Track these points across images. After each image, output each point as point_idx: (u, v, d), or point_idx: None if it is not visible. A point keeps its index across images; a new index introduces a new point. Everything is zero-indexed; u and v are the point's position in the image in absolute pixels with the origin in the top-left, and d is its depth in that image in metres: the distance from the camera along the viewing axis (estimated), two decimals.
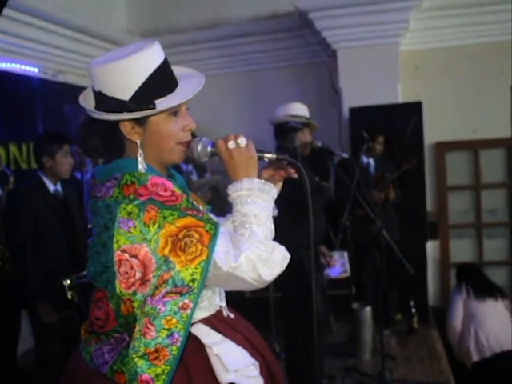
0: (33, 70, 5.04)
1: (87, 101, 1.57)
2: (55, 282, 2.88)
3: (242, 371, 1.56)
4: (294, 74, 6.16)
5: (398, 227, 4.88)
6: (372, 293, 4.68)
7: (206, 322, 1.58)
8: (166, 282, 1.39)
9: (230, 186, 1.54)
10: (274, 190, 1.56)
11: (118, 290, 1.44)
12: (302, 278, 3.45)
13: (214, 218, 1.55)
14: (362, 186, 3.92)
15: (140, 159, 1.50)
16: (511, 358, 4.20)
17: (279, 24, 5.89)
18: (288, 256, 1.49)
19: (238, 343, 1.61)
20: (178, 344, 1.42)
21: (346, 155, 3.78)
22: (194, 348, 1.52)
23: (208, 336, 1.56)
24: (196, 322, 1.55)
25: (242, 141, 1.56)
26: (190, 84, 1.55)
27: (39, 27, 4.88)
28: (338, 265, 4.73)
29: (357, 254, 4.69)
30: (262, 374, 1.63)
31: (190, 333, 1.50)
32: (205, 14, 6.24)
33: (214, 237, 1.40)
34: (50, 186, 3.57)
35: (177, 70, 1.57)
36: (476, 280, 4.69)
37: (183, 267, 1.39)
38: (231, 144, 1.55)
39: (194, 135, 1.61)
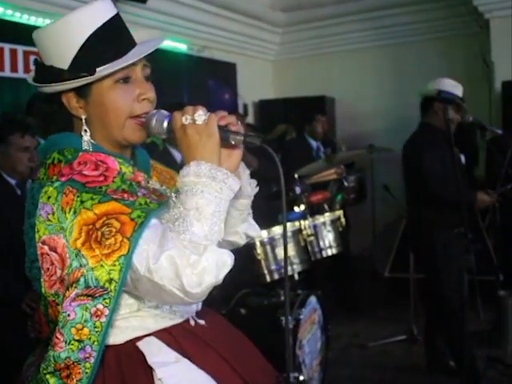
0: (181, 47, 5.24)
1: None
2: None
3: None
4: (440, 47, 5.85)
5: None
6: None
7: (163, 334, 1.27)
8: (77, 281, 1.13)
9: (180, 172, 1.21)
10: (232, 181, 1.19)
11: (43, 290, 1.21)
12: (443, 261, 3.30)
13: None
14: None
15: (86, 138, 1.26)
16: None
17: None
18: (230, 263, 1.14)
19: (204, 362, 1.28)
20: (92, 360, 1.15)
21: (500, 131, 3.51)
22: (138, 368, 1.23)
23: (158, 354, 1.24)
24: (149, 335, 1.26)
25: (200, 115, 1.21)
26: (143, 46, 1.28)
27: (186, 4, 5.05)
28: None
29: (506, 238, 4.38)
30: None
31: (137, 348, 1.24)
32: None
33: (140, 226, 1.11)
34: None
35: (142, 34, 1.33)
36: None
37: (97, 263, 1.11)
38: (185, 119, 1.21)
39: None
